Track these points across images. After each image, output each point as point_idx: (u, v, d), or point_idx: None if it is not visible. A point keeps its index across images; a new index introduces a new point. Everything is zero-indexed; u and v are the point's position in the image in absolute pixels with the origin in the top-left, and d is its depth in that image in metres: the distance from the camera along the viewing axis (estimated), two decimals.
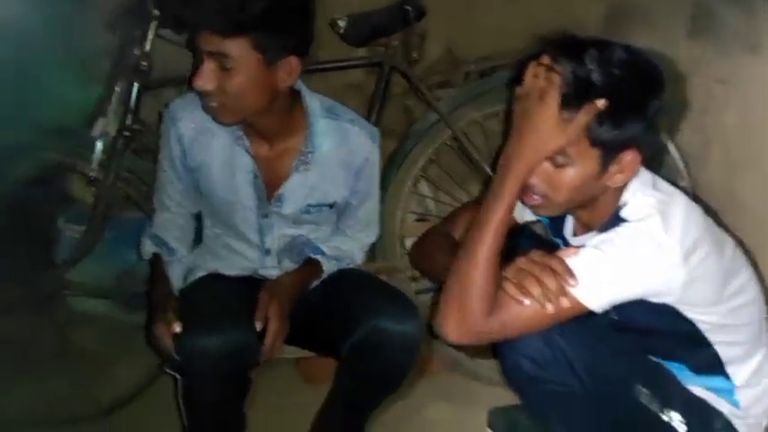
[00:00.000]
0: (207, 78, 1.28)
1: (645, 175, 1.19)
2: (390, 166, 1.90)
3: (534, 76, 1.08)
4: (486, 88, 1.85)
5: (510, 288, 1.11)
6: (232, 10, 1.23)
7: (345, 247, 1.58)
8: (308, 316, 1.45)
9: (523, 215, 1.40)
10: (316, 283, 1.52)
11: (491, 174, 1.85)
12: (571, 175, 1.12)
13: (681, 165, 1.79)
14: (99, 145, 1.76)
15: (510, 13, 2.07)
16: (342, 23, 1.81)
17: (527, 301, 1.09)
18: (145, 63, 1.74)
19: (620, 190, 1.18)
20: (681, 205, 1.15)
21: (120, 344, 1.91)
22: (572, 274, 1.09)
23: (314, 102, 1.45)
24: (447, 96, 1.90)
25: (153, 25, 1.73)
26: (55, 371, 1.88)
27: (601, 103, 1.06)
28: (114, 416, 1.88)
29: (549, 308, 1.08)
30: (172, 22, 1.59)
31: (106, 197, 1.76)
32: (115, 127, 1.75)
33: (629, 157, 1.11)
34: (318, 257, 1.52)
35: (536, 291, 1.08)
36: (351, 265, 1.60)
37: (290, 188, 1.46)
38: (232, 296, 1.42)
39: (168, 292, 1.48)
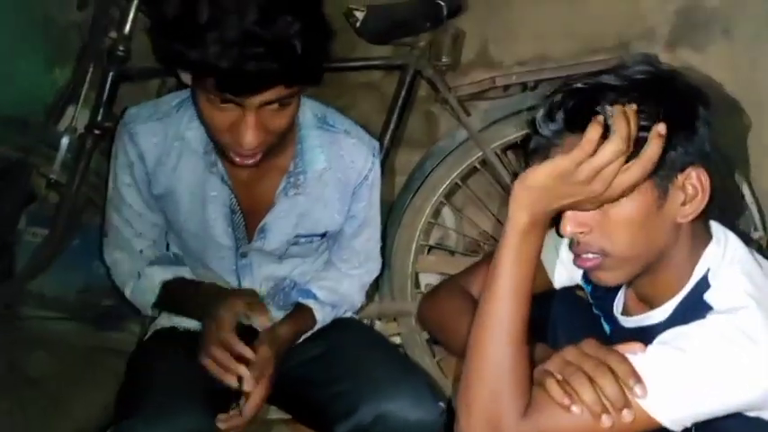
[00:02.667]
0: (259, 131, 1.08)
1: (733, 243, 0.99)
2: (407, 189, 1.72)
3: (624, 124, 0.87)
4: (528, 104, 1.63)
5: (553, 388, 0.90)
6: (282, 62, 1.02)
7: (342, 289, 1.39)
8: (296, 379, 1.26)
9: (560, 277, 1.20)
10: (306, 334, 1.33)
11: None
12: (626, 210, 0.92)
13: (756, 214, 1.61)
14: (64, 142, 1.67)
15: (557, 11, 1.85)
16: (359, 15, 1.61)
17: (575, 408, 0.88)
18: (123, 48, 1.61)
19: (695, 254, 0.98)
20: None
21: (81, 372, 1.79)
22: (639, 379, 0.88)
23: (304, 109, 1.25)
24: (480, 111, 1.69)
25: (135, 2, 1.56)
26: (3, 402, 1.73)
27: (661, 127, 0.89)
28: None
29: (606, 421, 0.87)
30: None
31: (70, 203, 1.64)
32: (84, 122, 1.64)
33: (693, 177, 0.93)
34: (310, 303, 1.33)
35: (589, 396, 0.87)
36: (349, 312, 1.43)
37: (275, 218, 1.27)
38: (189, 366, 1.20)
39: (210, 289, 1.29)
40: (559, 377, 0.90)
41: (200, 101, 1.09)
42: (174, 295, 1.30)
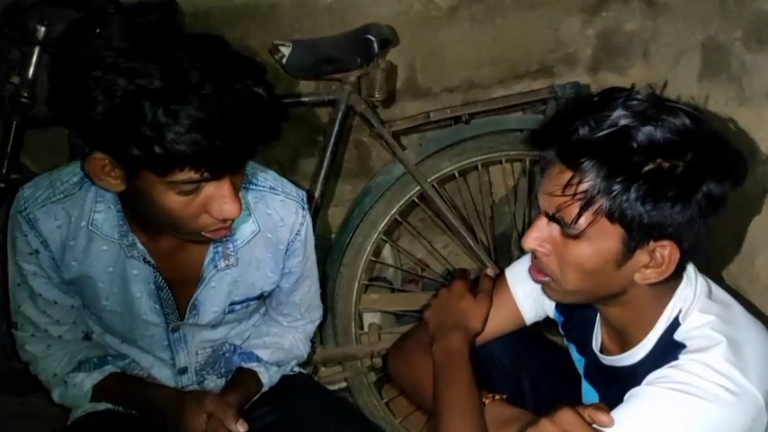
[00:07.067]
0: (237, 196, 0.98)
1: (701, 281, 1.00)
2: (346, 227, 1.66)
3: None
4: (464, 136, 1.62)
5: None
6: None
7: (286, 344, 1.33)
8: None
9: (530, 311, 1.20)
10: (253, 399, 1.25)
11: (469, 240, 1.64)
12: (585, 252, 0.92)
13: None
14: None
15: (482, 39, 1.86)
16: (284, 50, 1.55)
17: None
18: (27, 94, 1.50)
19: (665, 292, 0.98)
20: (745, 325, 0.96)
21: None
22: None
23: None
24: (415, 144, 1.66)
25: (38, 47, 1.44)
26: None
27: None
28: None
29: None
30: None
31: None
32: None
33: (666, 250, 0.91)
34: (254, 367, 1.26)
35: None
36: (296, 366, 1.37)
37: (206, 292, 1.19)
38: None
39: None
40: None
41: (152, 197, 0.95)
42: (111, 393, 1.21)
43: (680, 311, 0.97)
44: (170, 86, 0.85)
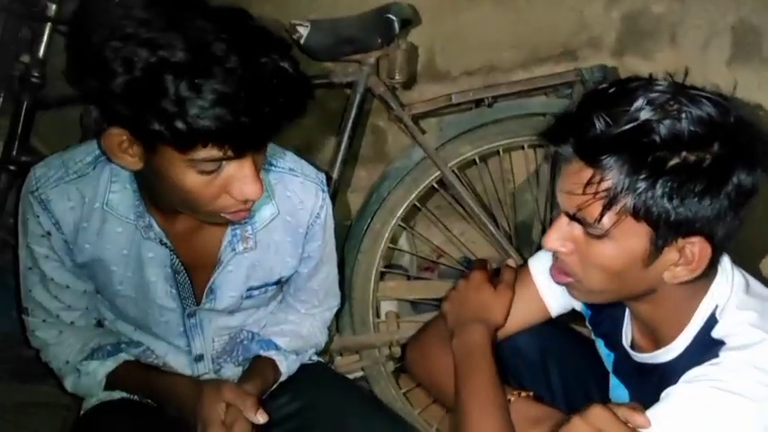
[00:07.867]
0: (258, 176, 0.95)
1: (737, 275, 0.96)
2: (364, 213, 1.62)
3: None
4: (485, 120, 1.58)
5: None
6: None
7: (304, 331, 1.30)
8: None
9: (557, 303, 1.15)
10: (272, 388, 1.22)
11: (490, 227, 1.61)
12: (610, 252, 0.88)
13: None
14: None
15: (503, 21, 1.81)
16: (302, 30, 1.51)
17: None
18: (37, 74, 1.49)
19: (699, 288, 0.94)
20: None
21: None
22: None
23: None
24: (435, 128, 1.62)
25: (48, 25, 1.41)
26: None
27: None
28: None
29: None
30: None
31: None
32: None
33: (696, 246, 0.87)
34: (272, 355, 1.23)
35: None
36: (314, 355, 1.34)
37: (224, 276, 1.15)
38: None
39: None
40: None
41: (171, 175, 0.91)
42: (126, 382, 1.18)
43: (716, 307, 0.93)
44: (194, 59, 0.81)
